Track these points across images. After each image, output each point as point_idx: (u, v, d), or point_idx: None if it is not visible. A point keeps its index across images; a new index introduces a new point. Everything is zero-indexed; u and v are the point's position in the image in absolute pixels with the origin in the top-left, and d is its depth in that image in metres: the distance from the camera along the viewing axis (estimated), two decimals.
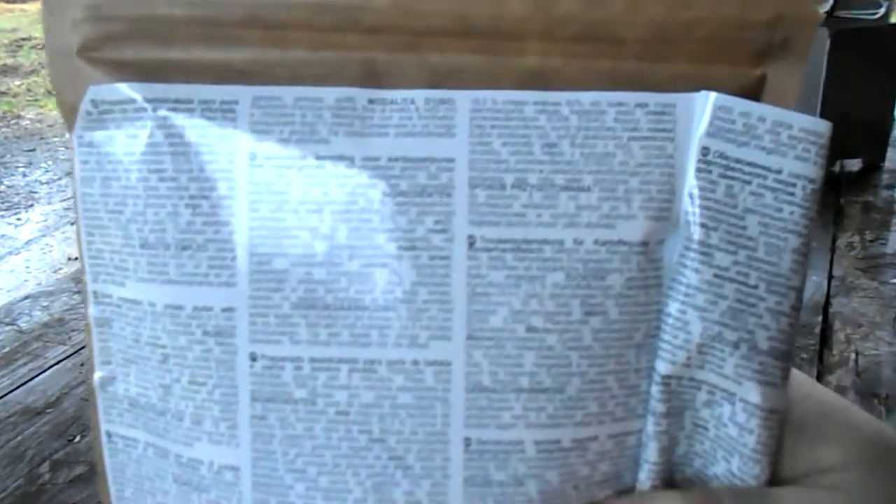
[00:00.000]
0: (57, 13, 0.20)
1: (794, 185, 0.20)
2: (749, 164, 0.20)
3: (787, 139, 0.20)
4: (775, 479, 0.21)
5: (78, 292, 1.93)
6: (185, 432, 0.20)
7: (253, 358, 0.19)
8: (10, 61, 5.47)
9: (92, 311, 0.21)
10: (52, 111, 4.33)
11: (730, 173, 0.20)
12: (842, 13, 2.28)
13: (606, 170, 0.20)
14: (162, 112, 0.20)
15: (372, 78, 0.20)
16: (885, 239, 1.66)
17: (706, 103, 0.20)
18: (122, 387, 0.21)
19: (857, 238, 1.66)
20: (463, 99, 0.20)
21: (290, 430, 0.19)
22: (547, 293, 0.20)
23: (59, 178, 3.26)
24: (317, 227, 0.20)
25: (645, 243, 0.20)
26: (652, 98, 0.20)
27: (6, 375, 1.57)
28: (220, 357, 0.19)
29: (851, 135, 2.17)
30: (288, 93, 0.20)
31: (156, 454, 0.21)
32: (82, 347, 1.66)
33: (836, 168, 2.10)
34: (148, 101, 0.20)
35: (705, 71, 0.20)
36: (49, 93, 4.70)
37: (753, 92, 0.21)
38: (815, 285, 1.43)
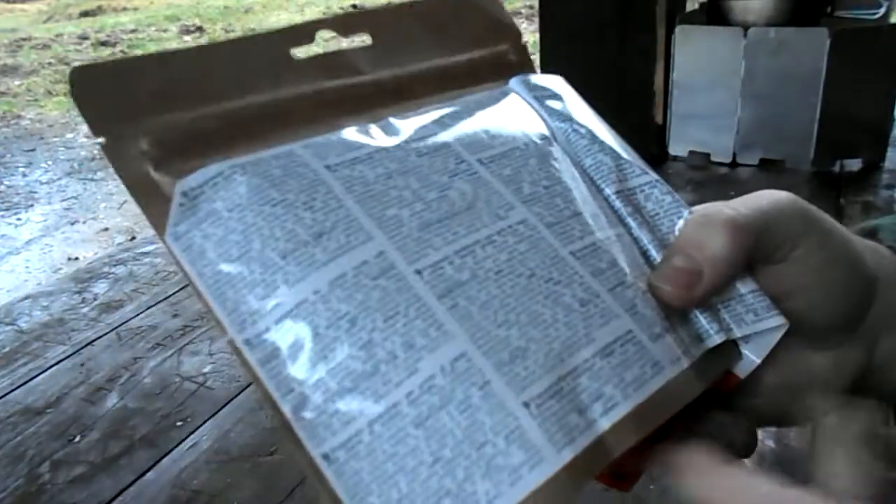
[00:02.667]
0: (120, 153, 0.22)
1: None
2: None
3: None
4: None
5: (78, 292, 1.92)
6: (403, 363, 0.21)
7: (418, 272, 0.23)
8: (10, 61, 5.44)
9: (250, 357, 0.21)
10: (51, 111, 4.31)
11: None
12: (842, 13, 2.28)
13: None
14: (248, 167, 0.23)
15: None
16: None
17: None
18: (320, 394, 0.21)
19: None
20: None
21: (478, 301, 0.23)
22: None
23: (59, 178, 3.24)
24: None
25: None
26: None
27: (6, 375, 1.57)
28: (397, 286, 0.22)
29: (851, 135, 2.17)
30: None
31: (384, 423, 0.20)
32: (82, 347, 1.66)
33: (836, 168, 2.10)
34: (236, 166, 0.23)
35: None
36: (49, 93, 4.68)
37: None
38: None
